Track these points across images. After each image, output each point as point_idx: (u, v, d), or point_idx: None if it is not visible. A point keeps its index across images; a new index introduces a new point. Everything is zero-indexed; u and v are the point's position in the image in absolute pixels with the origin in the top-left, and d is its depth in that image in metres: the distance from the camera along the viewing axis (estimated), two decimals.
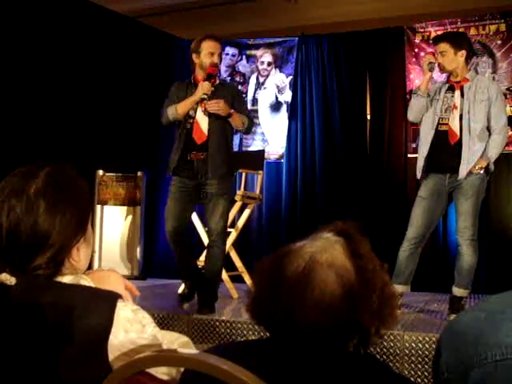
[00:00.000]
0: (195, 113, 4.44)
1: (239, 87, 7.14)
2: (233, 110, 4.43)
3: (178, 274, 4.84)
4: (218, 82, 4.62)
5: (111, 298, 1.24)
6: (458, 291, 4.40)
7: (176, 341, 1.34)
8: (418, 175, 4.49)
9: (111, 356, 1.20)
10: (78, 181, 1.40)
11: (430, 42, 6.29)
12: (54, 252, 1.30)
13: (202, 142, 4.40)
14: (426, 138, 4.44)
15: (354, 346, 1.29)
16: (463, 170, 4.27)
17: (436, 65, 4.47)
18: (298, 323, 1.24)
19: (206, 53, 4.42)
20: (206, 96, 4.34)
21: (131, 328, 1.23)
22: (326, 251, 1.27)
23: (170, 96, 4.58)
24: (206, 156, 4.43)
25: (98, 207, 6.41)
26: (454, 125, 4.31)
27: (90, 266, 1.43)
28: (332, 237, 1.32)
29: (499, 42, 6.09)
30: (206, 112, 4.40)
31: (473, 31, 6.12)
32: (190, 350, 1.18)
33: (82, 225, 1.37)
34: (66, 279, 1.31)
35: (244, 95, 7.07)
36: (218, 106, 4.34)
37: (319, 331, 1.24)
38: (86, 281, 1.33)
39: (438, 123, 4.39)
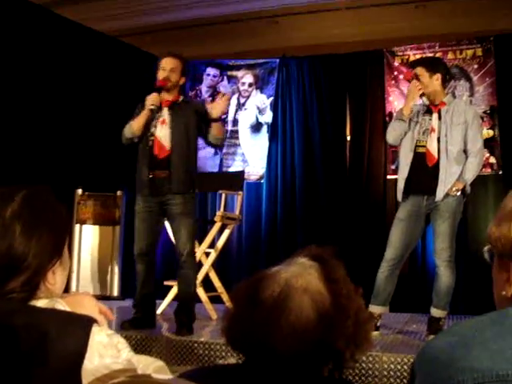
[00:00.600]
0: (156, 129, 4.51)
1: None
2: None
3: (133, 298, 4.73)
4: (181, 99, 4.70)
5: (86, 323, 1.24)
6: (436, 312, 4.42)
7: (151, 365, 1.33)
8: (399, 197, 4.52)
9: (85, 381, 1.19)
10: (54, 204, 1.39)
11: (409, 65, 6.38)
12: (28, 275, 1.29)
13: (163, 157, 4.46)
14: (405, 161, 4.48)
15: (329, 371, 1.30)
16: (440, 192, 4.32)
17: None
18: (274, 348, 1.24)
19: (160, 68, 4.58)
20: (153, 107, 4.45)
21: (106, 353, 1.23)
22: (300, 276, 1.28)
23: (135, 116, 4.62)
24: (168, 173, 4.47)
25: (77, 226, 6.36)
26: (432, 147, 4.37)
27: (67, 286, 1.43)
28: (307, 261, 1.33)
29: (476, 66, 6.18)
30: (166, 126, 4.50)
31: (450, 55, 6.21)
32: (165, 375, 1.18)
33: (58, 248, 1.36)
34: (41, 303, 1.30)
35: (225, 116, 7.11)
36: (222, 107, 4.54)
37: (294, 356, 1.24)
38: (61, 305, 1.32)
39: (416, 145, 4.44)
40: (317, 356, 1.27)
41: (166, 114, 4.54)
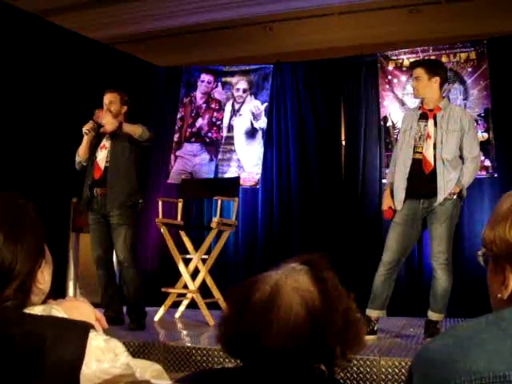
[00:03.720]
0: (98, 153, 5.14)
1: (215, 114, 7.19)
2: (119, 123, 5.03)
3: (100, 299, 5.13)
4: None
5: (83, 328, 1.23)
6: (433, 315, 4.42)
7: (149, 368, 1.32)
8: (399, 206, 4.48)
9: None
10: (25, 206, 1.38)
11: (403, 69, 6.41)
12: (20, 281, 1.28)
13: (98, 177, 5.09)
14: (404, 169, 4.44)
15: (320, 370, 1.32)
16: (440, 200, 4.32)
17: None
18: (266, 347, 1.26)
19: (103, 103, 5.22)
20: (86, 131, 5.07)
21: (104, 357, 1.22)
22: (290, 276, 1.33)
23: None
24: (105, 190, 5.07)
25: (73, 235, 6.35)
26: (428, 154, 4.36)
27: (64, 294, 1.42)
28: (297, 266, 1.36)
29: (470, 69, 6.20)
30: (104, 150, 5.10)
31: (444, 59, 6.22)
32: (163, 379, 1.18)
33: (41, 248, 1.35)
34: (37, 310, 1.30)
35: (219, 122, 7.14)
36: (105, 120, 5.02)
37: (286, 353, 1.27)
38: (57, 311, 1.32)
39: (414, 151, 4.43)
40: (307, 353, 1.29)
41: (107, 140, 5.14)
